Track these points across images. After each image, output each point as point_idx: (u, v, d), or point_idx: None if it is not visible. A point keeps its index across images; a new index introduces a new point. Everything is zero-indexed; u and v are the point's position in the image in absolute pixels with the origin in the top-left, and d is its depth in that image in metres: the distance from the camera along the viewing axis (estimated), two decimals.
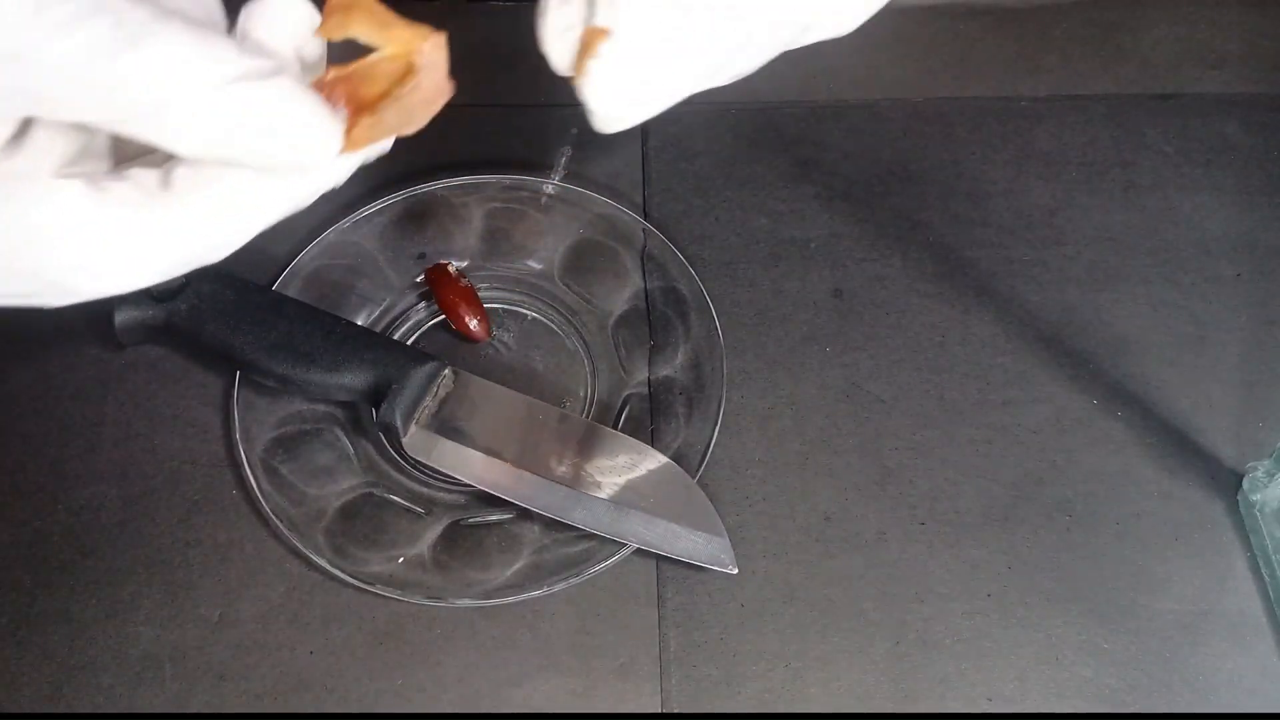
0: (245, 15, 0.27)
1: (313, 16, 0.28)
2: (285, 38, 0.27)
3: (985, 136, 0.57)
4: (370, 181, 0.53)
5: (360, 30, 0.28)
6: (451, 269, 0.50)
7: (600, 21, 0.30)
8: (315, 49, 0.28)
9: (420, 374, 0.45)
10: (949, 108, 0.58)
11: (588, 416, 0.48)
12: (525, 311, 0.52)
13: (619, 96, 0.31)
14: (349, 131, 0.27)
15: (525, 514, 0.45)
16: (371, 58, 0.28)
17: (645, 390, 0.49)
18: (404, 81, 0.28)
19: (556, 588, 0.43)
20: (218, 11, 0.27)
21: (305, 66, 0.28)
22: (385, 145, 0.29)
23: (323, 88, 0.27)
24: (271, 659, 0.43)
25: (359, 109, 0.28)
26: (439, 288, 0.50)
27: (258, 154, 0.26)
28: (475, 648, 0.43)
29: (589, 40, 0.30)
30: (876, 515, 0.46)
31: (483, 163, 0.53)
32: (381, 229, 0.52)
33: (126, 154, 0.28)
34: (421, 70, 0.28)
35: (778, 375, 0.50)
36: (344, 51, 0.29)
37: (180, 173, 0.26)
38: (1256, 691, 0.43)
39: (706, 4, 0.30)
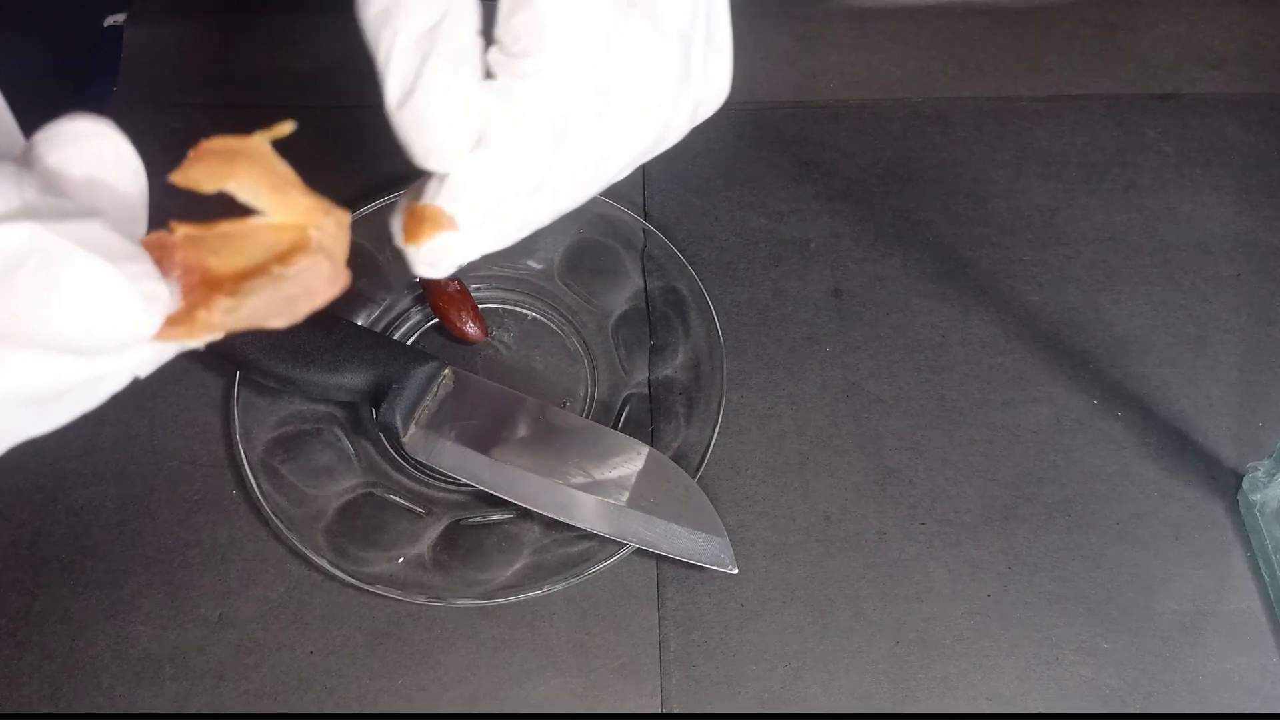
0: (34, 141, 0.20)
1: (123, 152, 0.21)
2: (86, 175, 0.20)
3: (985, 136, 0.57)
4: (370, 181, 0.53)
5: (245, 186, 0.21)
6: None
7: (444, 201, 0.27)
8: (131, 195, 0.21)
9: (420, 374, 0.45)
10: (949, 108, 0.58)
11: (588, 416, 0.48)
12: (525, 311, 0.52)
13: (445, 268, 0.29)
14: (191, 310, 0.20)
15: (525, 514, 0.45)
16: (247, 221, 0.21)
17: (645, 390, 0.49)
18: (289, 260, 0.21)
19: (556, 588, 0.43)
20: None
21: (126, 218, 0.21)
22: (204, 339, 0.22)
23: (159, 248, 0.21)
24: (271, 659, 0.43)
25: (210, 284, 0.21)
26: (430, 293, 0.50)
27: (22, 322, 0.19)
28: (475, 648, 0.43)
29: (431, 220, 0.27)
30: (876, 515, 0.46)
31: None
32: (381, 229, 0.51)
33: None
34: (316, 250, 0.21)
35: (778, 375, 0.50)
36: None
37: None
38: (1256, 691, 0.43)
39: (553, 188, 0.29)
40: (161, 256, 0.21)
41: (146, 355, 0.21)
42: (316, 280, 0.22)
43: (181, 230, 0.21)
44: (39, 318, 0.19)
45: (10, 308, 0.18)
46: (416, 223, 0.27)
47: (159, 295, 0.20)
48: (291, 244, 0.21)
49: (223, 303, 0.21)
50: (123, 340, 0.20)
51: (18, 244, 0.18)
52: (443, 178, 0.27)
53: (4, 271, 0.18)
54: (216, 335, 0.21)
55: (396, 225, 0.28)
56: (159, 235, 0.21)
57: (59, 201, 0.19)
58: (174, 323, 0.20)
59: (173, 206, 0.22)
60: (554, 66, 0.26)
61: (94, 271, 0.19)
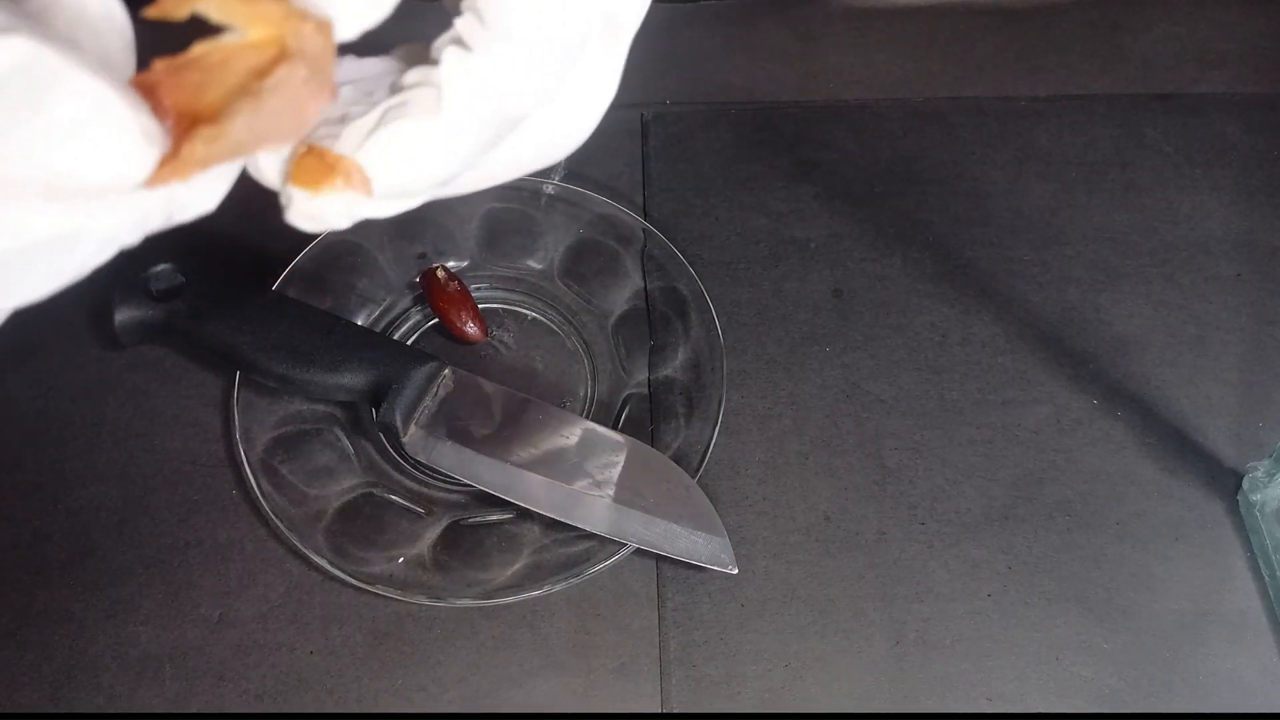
0: None
1: (109, 5, 0.19)
2: (68, 19, 0.18)
3: (985, 136, 0.57)
4: None
5: (215, 2, 0.20)
6: (442, 274, 0.50)
7: (367, 159, 0.23)
8: (115, 47, 0.19)
9: (420, 374, 0.45)
10: (949, 108, 0.58)
11: (588, 416, 0.48)
12: (525, 311, 0.52)
13: (328, 226, 0.24)
14: (177, 149, 0.19)
15: (525, 514, 0.45)
16: (223, 39, 0.20)
17: (645, 390, 0.49)
18: (267, 73, 0.20)
19: (556, 588, 0.43)
20: None
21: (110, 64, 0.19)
22: (209, 200, 0.20)
23: (146, 91, 0.19)
24: (271, 659, 0.43)
25: (194, 119, 0.19)
26: (431, 293, 0.50)
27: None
28: (475, 648, 0.43)
29: (342, 174, 0.23)
30: (876, 515, 0.46)
31: None
32: (381, 229, 0.52)
33: None
34: (295, 56, 0.20)
35: (778, 375, 0.50)
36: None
37: None
38: (1256, 691, 0.43)
39: (486, 170, 0.25)
40: (151, 102, 0.19)
41: (133, 212, 0.19)
42: (298, 90, 0.20)
43: (160, 63, 0.19)
44: (22, 149, 0.16)
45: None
46: (322, 169, 0.22)
47: (155, 134, 0.18)
48: (272, 59, 0.20)
49: (204, 131, 0.19)
50: (118, 179, 0.18)
51: (5, 60, 0.16)
52: (371, 129, 0.23)
53: None
54: (209, 174, 0.20)
55: (284, 156, 0.23)
56: (143, 77, 0.19)
57: (46, 29, 0.17)
58: (162, 164, 0.19)
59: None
60: (523, 37, 0.23)
61: (97, 94, 0.17)
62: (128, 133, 0.18)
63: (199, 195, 0.20)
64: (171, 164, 0.19)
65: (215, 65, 0.20)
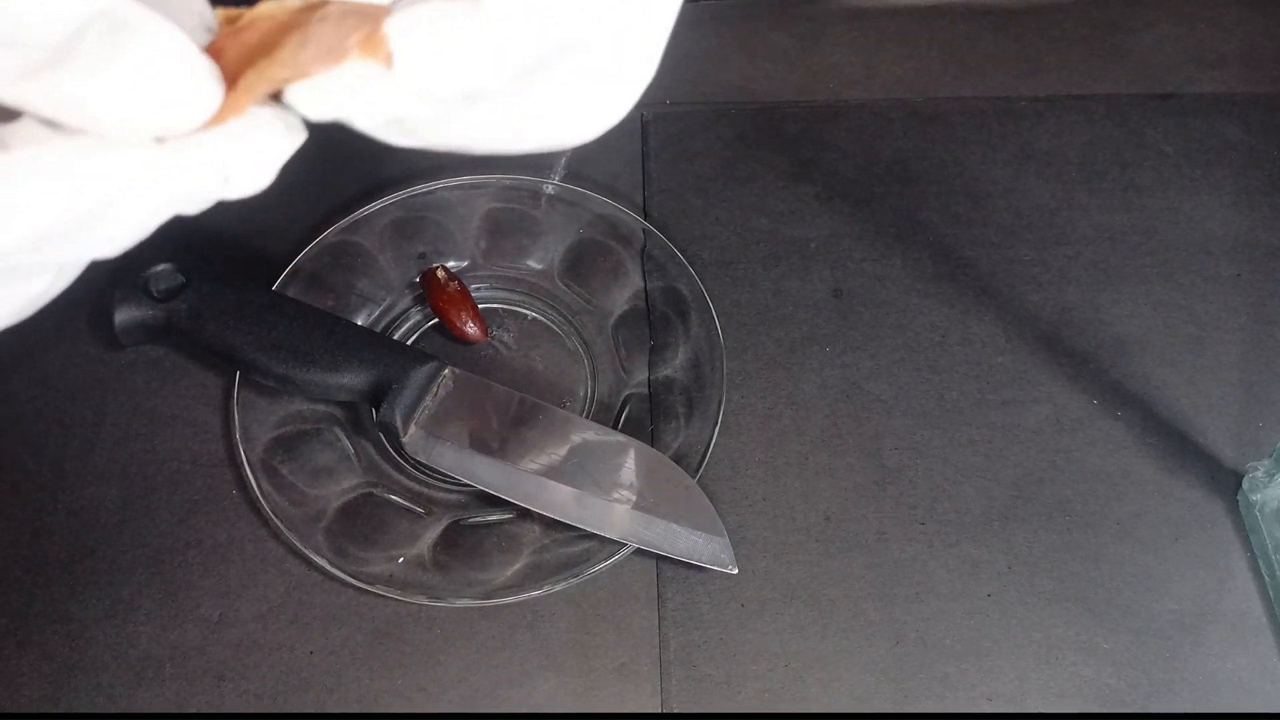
0: None
1: None
2: None
3: (985, 136, 0.57)
4: (370, 182, 0.53)
5: None
6: (442, 274, 0.50)
7: (395, 29, 0.21)
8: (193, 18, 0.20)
9: (420, 374, 0.45)
10: (949, 108, 0.58)
11: (588, 416, 0.48)
12: (525, 311, 0.52)
13: (315, 113, 0.22)
14: (231, 88, 0.20)
15: (525, 514, 0.45)
16: (286, 1, 0.21)
17: (645, 390, 0.49)
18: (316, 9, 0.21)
19: (557, 588, 0.43)
20: None
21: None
22: (263, 174, 0.21)
23: (210, 53, 0.21)
24: (271, 659, 0.43)
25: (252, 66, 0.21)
26: (430, 293, 0.50)
27: (79, 101, 0.17)
28: (475, 648, 0.43)
29: (371, 41, 0.21)
30: (876, 515, 0.46)
31: (482, 163, 0.53)
32: (381, 229, 0.52)
33: None
34: None
35: (778, 375, 0.50)
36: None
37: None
38: (1256, 691, 0.43)
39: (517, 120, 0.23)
40: (219, 59, 0.21)
41: (199, 156, 0.20)
42: (343, 20, 0.21)
43: (221, 13, 0.21)
44: (105, 89, 0.17)
45: (67, 81, 0.17)
46: (357, 43, 0.22)
47: (219, 77, 0.20)
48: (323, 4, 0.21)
49: (258, 63, 0.20)
50: (189, 117, 0.19)
51: (87, 6, 0.17)
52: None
53: (67, 41, 0.16)
54: (264, 139, 0.21)
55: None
56: (211, 41, 0.21)
57: None
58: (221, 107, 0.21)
59: None
60: None
61: (172, 38, 0.18)
62: (201, 70, 0.19)
63: (253, 167, 0.21)
64: (228, 98, 0.20)
65: (266, 21, 0.21)
